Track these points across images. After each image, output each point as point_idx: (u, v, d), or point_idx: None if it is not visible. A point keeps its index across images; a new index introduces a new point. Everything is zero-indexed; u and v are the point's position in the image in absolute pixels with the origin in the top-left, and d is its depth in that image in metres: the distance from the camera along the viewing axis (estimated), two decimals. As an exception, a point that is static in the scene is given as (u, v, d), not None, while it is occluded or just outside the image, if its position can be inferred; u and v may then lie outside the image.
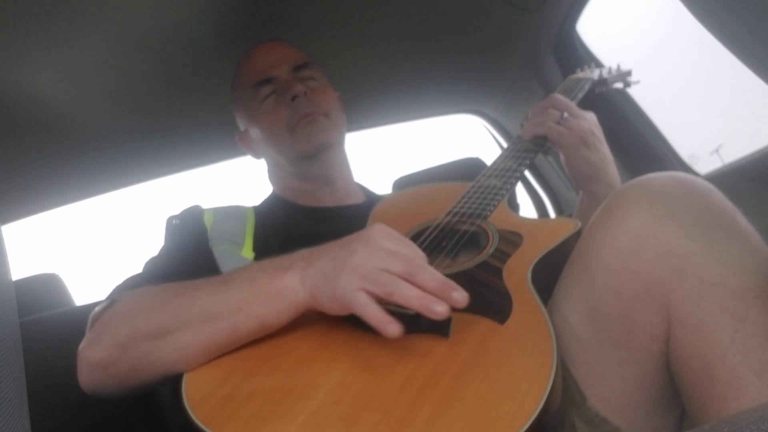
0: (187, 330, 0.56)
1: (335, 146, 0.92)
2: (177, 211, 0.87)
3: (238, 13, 1.03)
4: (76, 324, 0.66)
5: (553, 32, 1.31)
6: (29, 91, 1.02)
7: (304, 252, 0.58)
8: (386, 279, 0.50)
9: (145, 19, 0.97)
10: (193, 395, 0.50)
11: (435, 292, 0.49)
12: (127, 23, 0.96)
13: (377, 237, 0.54)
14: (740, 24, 0.65)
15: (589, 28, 1.30)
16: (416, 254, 0.54)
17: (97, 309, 0.65)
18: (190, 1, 0.97)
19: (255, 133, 0.95)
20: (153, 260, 0.77)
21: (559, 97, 0.86)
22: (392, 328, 0.48)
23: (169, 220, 0.85)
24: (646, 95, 1.27)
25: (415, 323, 0.53)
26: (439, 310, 0.48)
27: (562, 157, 0.84)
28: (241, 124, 1.01)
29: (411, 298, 0.49)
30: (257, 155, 1.00)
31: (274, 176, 0.99)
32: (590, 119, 0.83)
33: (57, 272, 1.27)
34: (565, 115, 0.82)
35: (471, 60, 1.40)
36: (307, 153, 0.89)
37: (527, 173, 1.59)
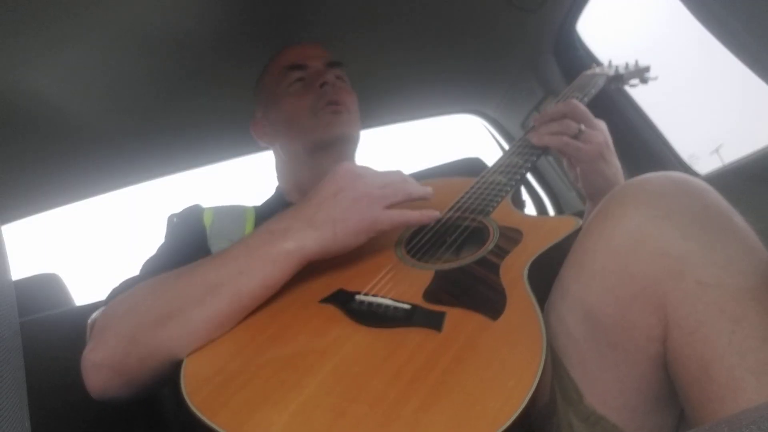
0: (191, 306, 0.56)
1: (351, 144, 0.94)
2: (178, 209, 0.87)
3: (236, 15, 1.03)
4: (76, 324, 0.66)
5: (553, 32, 1.31)
6: (29, 91, 1.02)
7: (287, 215, 0.61)
8: (398, 187, 0.62)
9: (145, 20, 0.97)
10: (190, 381, 0.50)
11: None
12: (127, 24, 0.96)
13: (352, 169, 0.63)
14: (740, 24, 0.65)
15: (589, 28, 1.30)
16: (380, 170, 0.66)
17: (94, 315, 0.64)
18: (190, 3, 0.97)
19: (275, 115, 0.94)
20: (150, 260, 0.77)
21: (579, 105, 0.81)
22: (432, 212, 0.64)
23: (170, 218, 0.85)
24: (646, 95, 1.27)
25: (408, 317, 0.54)
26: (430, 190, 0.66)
27: (578, 170, 0.81)
28: (261, 110, 1.00)
29: (421, 189, 0.65)
30: (271, 142, 0.98)
31: (283, 167, 0.98)
32: (604, 130, 0.80)
33: (57, 272, 1.27)
34: (582, 127, 0.78)
35: (471, 60, 1.40)
36: (326, 140, 0.90)
37: (527, 174, 1.58)
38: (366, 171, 0.63)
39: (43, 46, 0.93)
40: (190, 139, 1.35)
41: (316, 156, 0.91)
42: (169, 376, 0.58)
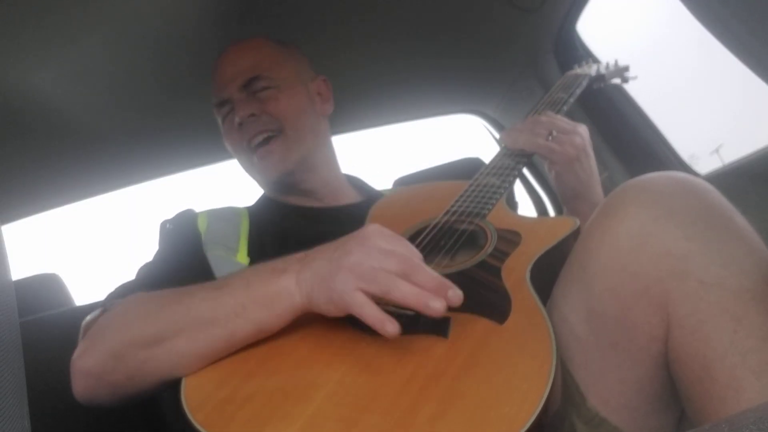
0: (182, 337, 0.55)
1: (305, 162, 0.87)
2: (171, 213, 0.86)
3: (236, 13, 1.03)
4: (76, 324, 0.66)
5: (553, 32, 1.31)
6: (29, 91, 1.02)
7: (300, 254, 0.58)
8: (382, 277, 0.50)
9: (144, 20, 0.97)
10: (192, 398, 0.50)
11: (432, 290, 0.50)
12: (127, 24, 0.96)
13: (372, 236, 0.55)
14: (740, 24, 0.65)
15: (589, 28, 1.30)
16: (412, 253, 0.54)
17: (89, 318, 0.64)
18: (189, 2, 0.97)
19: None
20: (146, 266, 0.76)
21: (549, 119, 0.81)
22: (390, 327, 0.48)
23: (163, 225, 0.83)
24: (646, 95, 1.27)
25: (413, 324, 0.53)
26: (436, 306, 0.48)
27: (552, 173, 0.82)
28: None
29: (408, 295, 0.49)
30: None
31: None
32: (583, 134, 0.80)
33: (57, 272, 1.27)
34: (554, 133, 0.79)
35: (471, 60, 1.40)
36: (270, 182, 0.88)
37: (527, 172, 1.59)
38: (381, 244, 0.54)
39: (43, 46, 0.93)
40: (189, 140, 1.35)
41: (278, 186, 0.90)
42: (157, 391, 0.58)
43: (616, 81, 1.07)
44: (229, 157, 1.51)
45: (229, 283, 0.59)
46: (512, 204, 0.84)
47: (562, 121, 0.81)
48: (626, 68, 1.06)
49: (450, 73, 1.44)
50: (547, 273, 0.60)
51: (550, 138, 0.79)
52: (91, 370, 0.58)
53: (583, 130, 0.81)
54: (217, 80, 0.89)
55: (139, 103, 1.17)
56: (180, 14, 0.99)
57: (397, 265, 0.51)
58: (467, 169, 1.32)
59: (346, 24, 1.15)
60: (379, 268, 0.51)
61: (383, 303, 0.56)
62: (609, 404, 0.52)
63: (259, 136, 0.84)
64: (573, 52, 1.33)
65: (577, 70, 1.05)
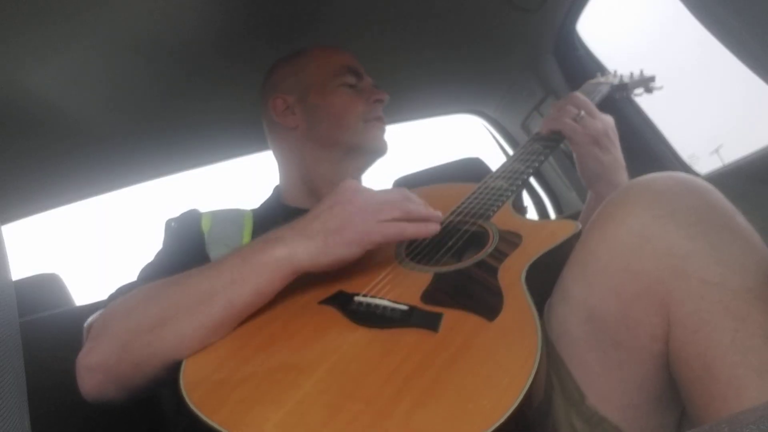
0: (183, 314, 0.57)
1: (378, 158, 0.97)
2: (176, 213, 0.87)
3: (236, 15, 1.03)
4: (76, 324, 0.66)
5: (553, 32, 1.31)
6: (30, 91, 1.02)
7: (284, 226, 0.62)
8: (396, 204, 0.62)
9: (145, 20, 0.97)
10: (189, 380, 0.52)
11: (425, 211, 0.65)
12: (127, 24, 0.96)
13: (353, 186, 0.64)
14: (740, 24, 0.65)
15: (589, 28, 1.30)
16: (394, 190, 0.67)
17: (90, 319, 0.65)
18: (189, 3, 0.97)
19: (317, 101, 0.93)
20: (147, 267, 0.77)
21: (579, 95, 0.88)
22: (432, 225, 0.64)
23: (168, 223, 0.85)
24: (645, 95, 1.27)
25: (406, 318, 0.55)
26: (434, 228, 0.64)
27: (574, 154, 0.87)
28: (294, 90, 0.95)
29: (423, 211, 0.64)
30: (294, 123, 0.94)
31: (294, 155, 0.95)
32: (607, 121, 0.86)
33: (57, 272, 1.27)
34: (582, 113, 0.85)
35: (471, 60, 1.40)
36: (367, 148, 0.93)
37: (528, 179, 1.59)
38: (366, 189, 0.64)
39: (44, 46, 0.93)
40: (190, 139, 1.35)
41: (348, 157, 0.93)
42: (163, 380, 0.59)
43: (639, 91, 1.06)
44: (228, 157, 1.52)
45: (223, 260, 0.61)
46: (520, 208, 0.85)
47: (590, 104, 0.87)
48: (652, 78, 1.06)
49: (450, 73, 1.45)
50: (548, 274, 0.60)
51: (578, 118, 0.85)
52: (98, 365, 0.59)
53: (608, 118, 0.87)
54: (354, 60, 0.99)
55: (138, 103, 1.17)
56: (181, 15, 0.99)
57: (398, 194, 0.64)
58: (467, 169, 1.33)
59: (344, 25, 1.15)
60: (387, 201, 0.62)
61: (373, 305, 0.57)
62: (609, 403, 0.52)
63: (383, 119, 0.98)
64: (573, 52, 1.33)
65: (599, 79, 1.05)
